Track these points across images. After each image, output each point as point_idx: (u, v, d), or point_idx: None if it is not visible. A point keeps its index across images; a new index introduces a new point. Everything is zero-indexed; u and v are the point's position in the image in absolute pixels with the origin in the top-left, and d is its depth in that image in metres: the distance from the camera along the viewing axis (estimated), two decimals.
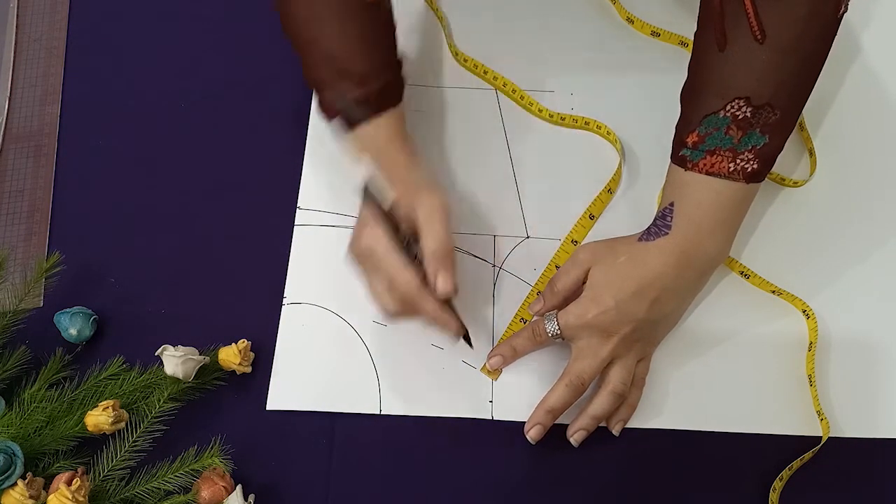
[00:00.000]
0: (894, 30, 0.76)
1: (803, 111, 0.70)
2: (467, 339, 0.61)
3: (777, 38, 0.55)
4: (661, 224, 0.60)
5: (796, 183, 0.69)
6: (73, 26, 0.77)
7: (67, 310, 0.63)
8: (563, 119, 0.72)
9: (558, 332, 0.60)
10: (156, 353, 0.59)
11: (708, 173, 0.59)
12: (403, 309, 0.58)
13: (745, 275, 0.66)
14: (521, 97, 0.73)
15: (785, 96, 0.57)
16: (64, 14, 0.78)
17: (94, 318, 0.63)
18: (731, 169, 0.58)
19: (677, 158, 0.61)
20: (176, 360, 0.58)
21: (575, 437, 0.60)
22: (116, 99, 0.74)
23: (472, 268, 0.67)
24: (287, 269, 0.67)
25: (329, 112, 0.62)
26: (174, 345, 0.59)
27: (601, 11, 0.77)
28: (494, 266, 0.67)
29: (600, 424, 0.61)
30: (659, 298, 0.59)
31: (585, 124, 0.72)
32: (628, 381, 0.60)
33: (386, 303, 0.58)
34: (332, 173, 0.70)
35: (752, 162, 0.58)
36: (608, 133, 0.71)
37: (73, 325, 0.62)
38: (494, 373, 0.63)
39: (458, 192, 0.69)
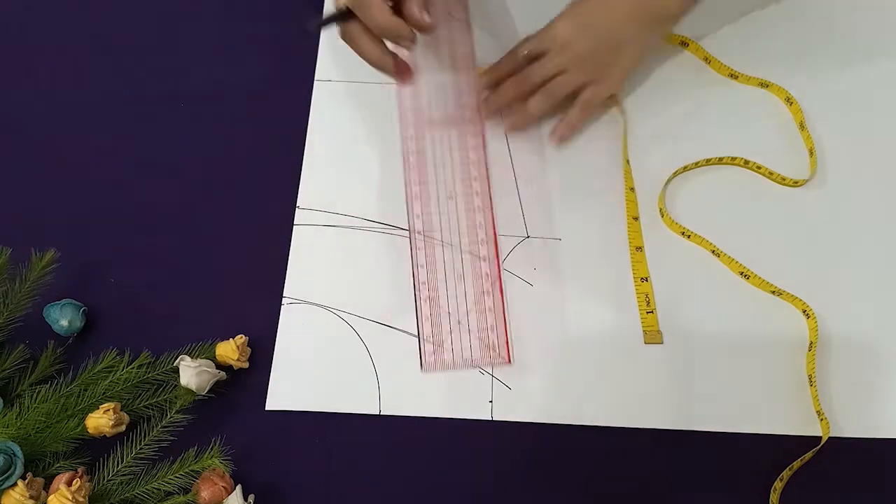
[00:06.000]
0: (894, 29, 0.76)
1: (803, 111, 0.71)
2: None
3: None
4: None
5: (796, 183, 0.69)
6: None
7: (56, 302, 0.63)
8: None
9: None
10: (174, 364, 0.59)
11: None
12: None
13: (744, 275, 0.66)
14: None
15: None
16: None
17: (84, 310, 0.63)
18: None
19: None
20: (191, 371, 0.58)
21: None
22: (115, 98, 0.73)
23: (472, 267, 0.67)
24: (286, 268, 0.66)
25: None
26: (175, 346, 0.59)
27: None
28: None
29: None
30: (624, 23, 0.64)
31: None
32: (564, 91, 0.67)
33: None
34: (331, 173, 0.70)
35: None
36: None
37: (63, 315, 0.62)
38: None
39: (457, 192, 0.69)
